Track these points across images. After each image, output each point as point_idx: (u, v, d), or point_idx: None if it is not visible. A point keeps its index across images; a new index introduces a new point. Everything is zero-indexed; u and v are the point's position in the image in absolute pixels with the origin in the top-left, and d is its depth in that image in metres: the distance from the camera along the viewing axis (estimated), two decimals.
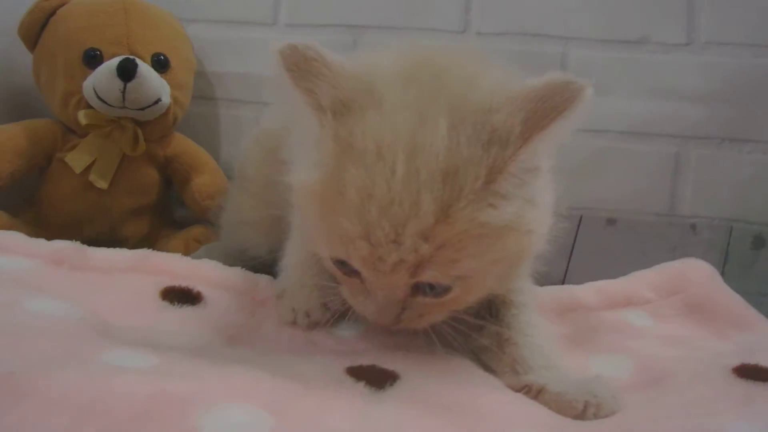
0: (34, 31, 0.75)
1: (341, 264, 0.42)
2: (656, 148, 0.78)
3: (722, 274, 0.63)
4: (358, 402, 0.37)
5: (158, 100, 0.73)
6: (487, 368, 0.46)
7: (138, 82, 0.71)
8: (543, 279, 0.53)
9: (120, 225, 0.77)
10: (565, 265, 0.76)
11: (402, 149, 0.38)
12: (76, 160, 0.73)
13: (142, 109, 0.73)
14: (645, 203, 0.78)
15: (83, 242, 0.56)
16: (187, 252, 0.71)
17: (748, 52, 0.75)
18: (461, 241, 0.38)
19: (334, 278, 0.46)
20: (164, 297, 0.51)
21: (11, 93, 0.81)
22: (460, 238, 0.38)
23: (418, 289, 0.41)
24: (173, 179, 0.81)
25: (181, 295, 0.52)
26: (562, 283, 0.67)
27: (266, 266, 0.57)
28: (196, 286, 0.53)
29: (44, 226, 0.74)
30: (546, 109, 0.37)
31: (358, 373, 0.40)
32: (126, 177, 0.75)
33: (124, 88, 0.71)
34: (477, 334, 0.47)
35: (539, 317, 0.49)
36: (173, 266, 0.55)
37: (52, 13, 0.75)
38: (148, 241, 0.77)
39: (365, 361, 0.43)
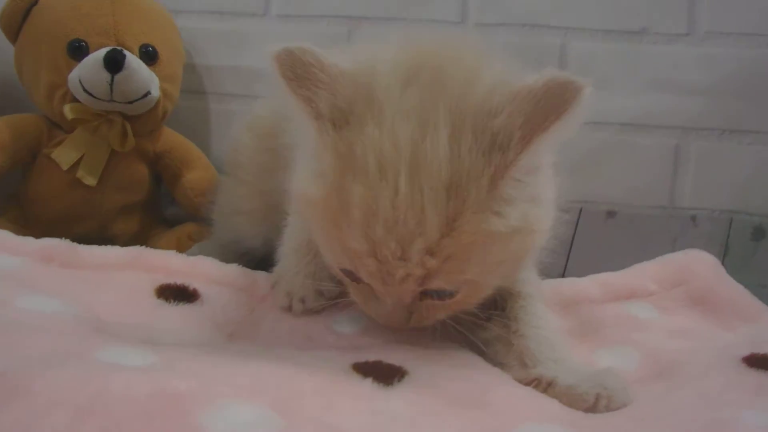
0: (16, 22, 0.73)
1: (349, 273, 0.42)
2: (656, 141, 0.78)
3: (722, 265, 0.63)
4: (366, 399, 0.37)
5: (147, 93, 0.72)
6: (495, 362, 0.46)
7: (126, 74, 0.69)
8: (543, 273, 0.53)
9: (109, 223, 0.75)
10: (564, 259, 0.76)
11: (404, 165, 0.37)
12: (63, 156, 0.71)
13: (131, 102, 0.71)
14: (645, 196, 0.78)
15: (72, 241, 0.55)
16: (179, 249, 0.69)
17: (749, 42, 0.75)
18: (467, 251, 0.38)
19: (337, 280, 0.46)
20: (159, 295, 0.50)
21: None
22: (466, 248, 0.38)
23: (425, 294, 0.41)
24: (164, 175, 0.79)
25: (176, 293, 0.51)
26: (563, 276, 0.67)
27: (264, 263, 0.56)
28: (192, 283, 0.52)
29: (30, 225, 0.72)
30: (545, 110, 0.37)
31: (364, 369, 0.40)
32: (115, 173, 0.73)
33: (112, 80, 0.69)
34: (483, 327, 0.47)
35: (546, 309, 0.49)
36: (168, 263, 0.54)
37: (35, 3, 0.73)
38: (139, 239, 0.75)
39: (371, 356, 0.42)
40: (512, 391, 0.41)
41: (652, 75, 0.77)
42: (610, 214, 0.79)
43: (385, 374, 0.39)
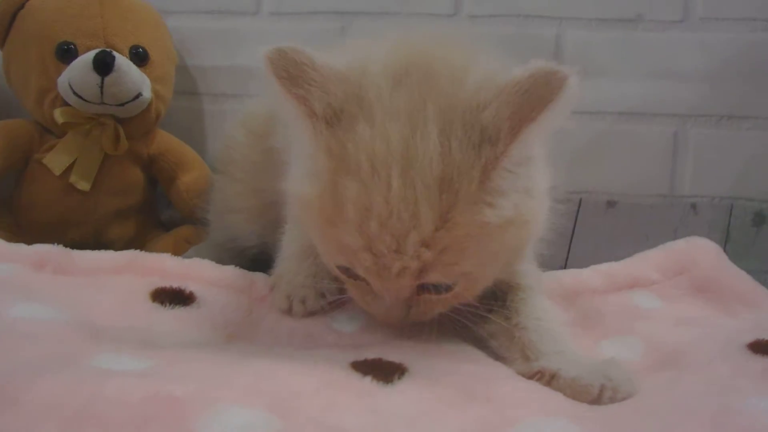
0: (3, 26, 0.72)
1: (346, 270, 0.42)
2: (655, 129, 0.77)
3: (724, 252, 0.62)
4: (366, 397, 0.36)
5: (139, 95, 0.71)
6: (497, 356, 0.45)
7: (116, 75, 0.68)
8: (544, 264, 0.53)
9: (105, 228, 0.74)
10: (566, 250, 0.76)
11: (396, 162, 0.38)
12: (55, 161, 0.71)
13: (122, 104, 0.70)
14: (645, 184, 0.78)
15: (67, 247, 0.55)
16: (176, 253, 0.68)
17: (745, 27, 0.74)
18: (462, 243, 0.39)
19: (335, 278, 0.46)
20: (155, 298, 0.50)
21: None
22: (460, 240, 0.38)
23: (423, 288, 0.41)
24: (159, 178, 0.79)
25: (172, 296, 0.50)
26: (564, 268, 0.66)
27: (261, 264, 0.56)
28: (189, 286, 0.51)
29: (23, 232, 0.71)
30: (532, 101, 0.37)
31: (363, 367, 0.39)
32: (109, 177, 0.73)
33: (102, 82, 0.68)
34: (484, 320, 0.46)
35: (547, 300, 0.49)
36: (163, 266, 0.54)
37: (21, 6, 0.72)
38: (135, 243, 0.74)
39: (370, 354, 0.41)
40: (515, 385, 0.41)
41: (648, 63, 0.76)
42: (610, 204, 0.79)
43: (385, 372, 0.38)
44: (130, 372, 0.34)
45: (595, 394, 0.39)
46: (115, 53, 0.69)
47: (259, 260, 0.61)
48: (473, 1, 0.78)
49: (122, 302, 0.49)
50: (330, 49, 0.42)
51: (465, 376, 0.40)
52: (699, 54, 0.75)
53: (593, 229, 0.78)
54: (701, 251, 0.61)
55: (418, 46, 0.43)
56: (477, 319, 0.46)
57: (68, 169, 0.71)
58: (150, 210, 0.80)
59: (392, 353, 0.42)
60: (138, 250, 0.56)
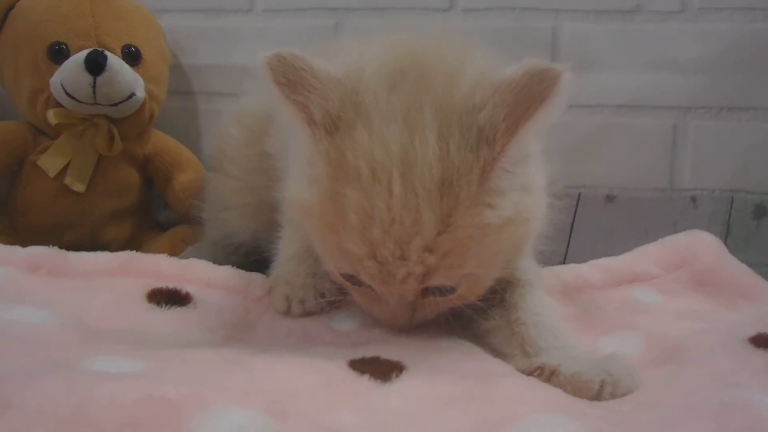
0: None
1: (350, 276, 0.43)
2: (653, 122, 0.77)
3: (725, 245, 0.62)
4: (364, 396, 0.36)
5: (132, 95, 0.70)
6: (496, 352, 0.45)
7: (108, 75, 0.68)
8: (543, 259, 0.52)
9: (101, 229, 0.74)
10: (565, 245, 0.75)
11: (396, 168, 0.38)
12: (50, 163, 0.70)
13: (115, 104, 0.70)
14: (644, 178, 0.77)
15: (63, 249, 0.54)
16: (173, 253, 0.68)
17: (743, 17, 0.74)
18: (464, 246, 0.39)
19: (336, 282, 0.46)
20: (151, 299, 0.50)
21: None
22: (462, 243, 0.39)
23: (427, 291, 0.42)
24: (154, 179, 0.78)
25: (168, 297, 0.50)
26: (563, 263, 0.66)
27: (259, 264, 0.56)
28: (185, 286, 0.51)
29: (19, 235, 0.71)
30: (527, 100, 0.38)
31: (361, 365, 0.39)
32: (104, 178, 0.72)
33: (94, 82, 0.67)
34: (484, 317, 0.46)
35: (547, 296, 0.48)
36: (159, 267, 0.54)
37: (12, 7, 0.72)
38: (132, 244, 0.74)
39: (367, 353, 0.41)
40: (514, 382, 0.40)
41: (646, 54, 0.75)
42: (609, 198, 0.78)
43: (383, 370, 0.38)
44: (124, 374, 0.34)
45: (596, 389, 0.39)
46: (107, 53, 0.68)
47: (255, 260, 0.61)
48: None
49: (118, 303, 0.49)
50: (326, 49, 0.43)
51: (463, 373, 0.40)
52: (698, 45, 0.75)
53: (592, 223, 0.77)
54: (701, 245, 0.61)
55: (412, 47, 0.44)
56: (477, 316, 0.46)
57: (63, 171, 0.70)
58: (146, 211, 0.79)
59: (390, 351, 0.41)
60: (133, 251, 0.56)
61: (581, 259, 0.61)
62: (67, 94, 0.68)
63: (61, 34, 0.69)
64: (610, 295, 0.56)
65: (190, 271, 0.54)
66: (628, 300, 0.55)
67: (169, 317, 0.48)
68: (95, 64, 0.67)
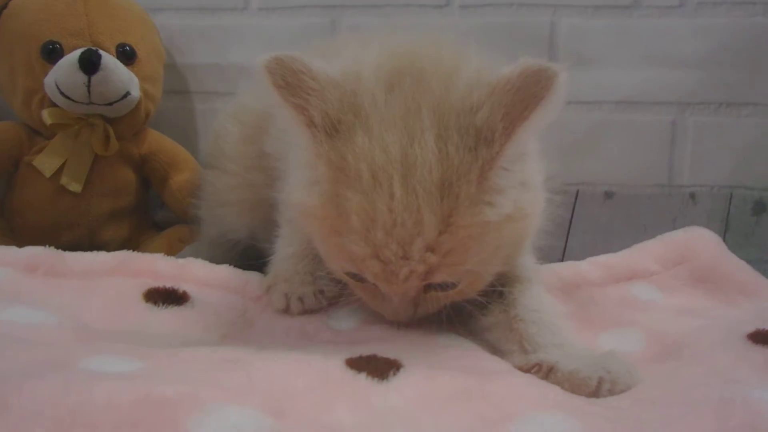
0: None
1: (353, 275, 0.43)
2: (652, 118, 0.77)
3: (724, 241, 0.62)
4: (361, 394, 0.36)
5: (127, 94, 0.70)
6: (494, 349, 0.45)
7: (103, 74, 0.67)
8: (541, 257, 0.52)
9: (98, 230, 0.74)
10: (563, 242, 0.75)
11: (396, 170, 0.39)
12: (45, 163, 0.70)
13: (110, 104, 0.70)
14: (643, 174, 0.77)
15: (60, 249, 0.54)
16: (170, 253, 0.68)
17: (742, 11, 0.73)
18: (465, 244, 0.40)
19: (336, 280, 0.47)
20: (148, 299, 0.50)
21: None
22: (463, 241, 0.39)
23: (429, 287, 0.42)
24: (151, 178, 0.78)
25: (165, 296, 0.50)
26: (562, 260, 0.66)
27: (256, 263, 0.55)
28: (182, 286, 0.51)
29: (16, 236, 0.71)
30: (524, 100, 0.38)
31: (358, 364, 0.39)
32: (100, 178, 0.72)
33: (89, 81, 0.67)
34: (483, 313, 0.46)
35: (546, 293, 0.48)
36: (156, 267, 0.54)
37: (4, 6, 0.71)
38: (130, 244, 0.74)
39: (365, 351, 0.41)
40: (512, 380, 0.40)
41: (645, 50, 0.75)
42: (608, 194, 0.78)
43: (380, 368, 0.38)
44: (122, 374, 0.34)
45: (593, 386, 0.39)
46: (101, 52, 0.68)
47: (253, 259, 0.60)
48: None
49: (115, 303, 0.49)
50: (323, 48, 0.43)
51: (461, 370, 0.40)
52: (697, 40, 0.74)
53: (591, 220, 0.77)
54: (700, 241, 0.60)
55: (408, 48, 0.44)
56: (475, 311, 0.46)
57: (59, 171, 0.70)
58: (143, 211, 0.79)
59: (387, 349, 0.41)
60: (130, 251, 0.56)
61: (580, 256, 0.61)
62: (62, 93, 0.68)
63: (54, 33, 0.69)
64: (608, 292, 0.56)
65: (187, 271, 0.54)
66: (627, 297, 0.55)
67: (166, 316, 0.48)
68: (89, 64, 0.66)
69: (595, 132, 0.77)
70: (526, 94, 0.38)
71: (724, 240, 0.63)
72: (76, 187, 0.70)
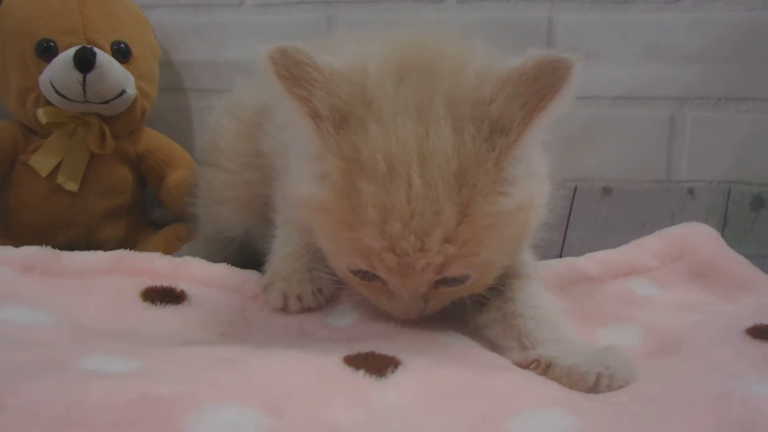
0: None
1: (362, 273, 0.42)
2: (650, 113, 0.76)
3: (722, 237, 0.62)
4: (360, 391, 0.36)
5: (123, 92, 0.70)
6: (493, 346, 0.45)
7: (98, 72, 0.67)
8: (540, 253, 0.52)
9: (96, 229, 0.74)
10: (561, 238, 0.75)
11: (413, 160, 0.39)
12: (41, 162, 0.69)
13: (106, 102, 0.69)
14: (641, 170, 0.77)
15: (58, 249, 0.54)
16: (168, 252, 0.68)
17: (741, 5, 0.73)
18: (481, 234, 0.40)
19: (335, 278, 0.46)
20: (145, 298, 0.50)
21: None
22: (480, 232, 0.39)
23: (440, 282, 0.42)
24: (147, 177, 0.78)
25: (163, 295, 0.50)
26: (560, 256, 0.66)
27: (254, 263, 0.55)
28: (179, 284, 0.51)
29: (12, 236, 0.71)
30: (541, 90, 0.39)
31: (356, 361, 0.39)
32: (97, 177, 0.72)
33: (84, 80, 0.67)
34: (481, 309, 0.46)
35: (544, 289, 0.48)
36: (153, 266, 0.54)
37: None
38: (127, 243, 0.74)
39: (363, 348, 0.41)
40: (510, 376, 0.40)
41: (643, 44, 0.75)
42: (606, 190, 0.78)
43: (378, 365, 0.38)
44: (119, 373, 0.34)
45: (592, 382, 0.39)
46: (96, 49, 0.67)
47: (250, 257, 0.60)
48: None
49: (112, 302, 0.49)
50: (322, 45, 0.42)
51: (460, 367, 0.40)
52: (695, 34, 0.74)
53: (589, 216, 0.77)
54: (699, 236, 0.60)
55: (412, 41, 0.44)
56: (474, 308, 0.46)
57: (55, 170, 0.70)
58: (140, 209, 0.79)
59: (385, 347, 0.41)
60: (127, 250, 0.55)
61: (578, 252, 0.61)
62: (57, 92, 0.68)
63: (49, 31, 0.68)
64: (607, 287, 0.56)
65: (185, 269, 0.53)
66: (625, 292, 0.55)
67: (163, 315, 0.48)
68: (84, 62, 0.66)
69: (593, 127, 0.76)
70: (543, 85, 0.38)
71: (723, 235, 0.63)
72: (72, 186, 0.70)
